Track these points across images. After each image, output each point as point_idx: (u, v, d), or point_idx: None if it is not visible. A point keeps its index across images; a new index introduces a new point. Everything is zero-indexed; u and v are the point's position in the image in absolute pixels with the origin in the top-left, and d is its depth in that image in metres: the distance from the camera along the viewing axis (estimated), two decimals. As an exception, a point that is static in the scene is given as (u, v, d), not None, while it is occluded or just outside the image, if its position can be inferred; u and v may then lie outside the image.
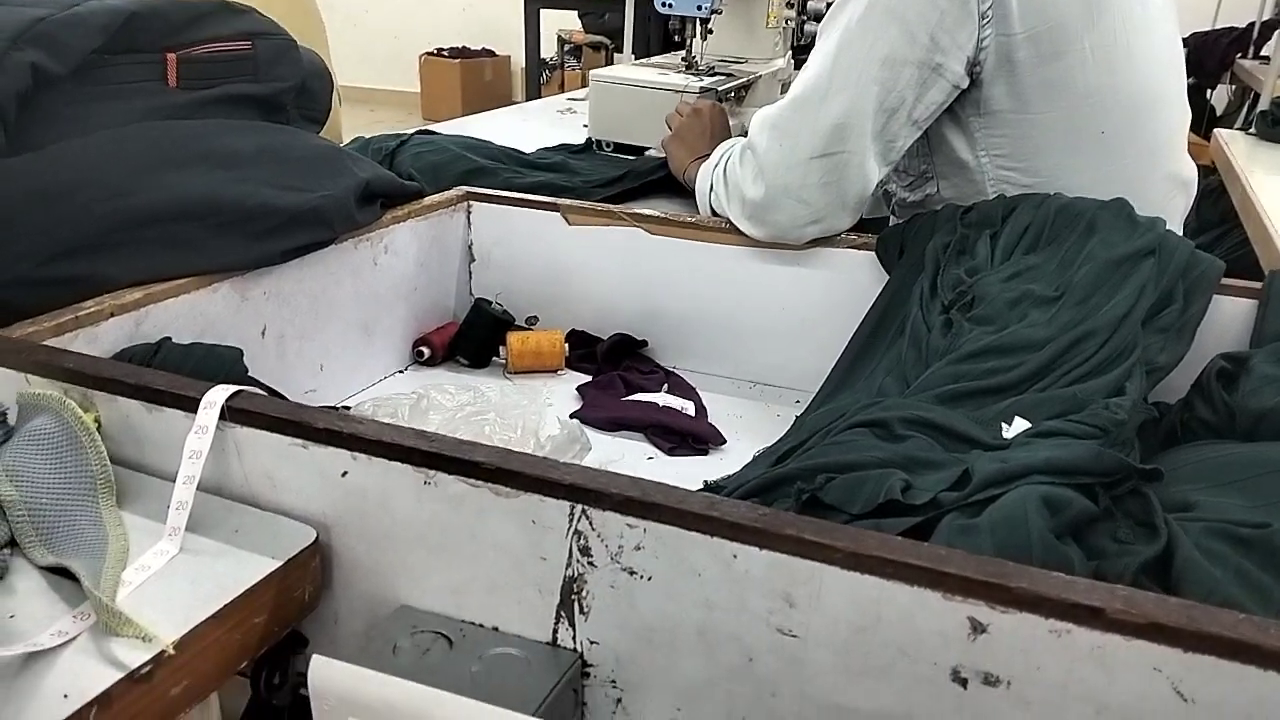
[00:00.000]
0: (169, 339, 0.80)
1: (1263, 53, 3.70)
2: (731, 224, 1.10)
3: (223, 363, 0.79)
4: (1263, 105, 2.13)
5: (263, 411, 0.63)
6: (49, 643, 0.52)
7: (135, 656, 0.52)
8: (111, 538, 0.61)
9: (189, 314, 0.85)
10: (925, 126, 1.04)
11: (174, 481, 0.63)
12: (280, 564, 0.59)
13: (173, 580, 0.58)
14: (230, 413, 0.63)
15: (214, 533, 0.62)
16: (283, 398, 0.79)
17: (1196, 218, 2.02)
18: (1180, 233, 1.11)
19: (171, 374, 0.69)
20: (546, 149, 1.60)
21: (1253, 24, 3.98)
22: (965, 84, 1.02)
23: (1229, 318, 0.91)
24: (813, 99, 1.02)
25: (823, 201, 1.03)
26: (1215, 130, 2.13)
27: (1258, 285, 0.90)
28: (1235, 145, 1.94)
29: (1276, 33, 2.33)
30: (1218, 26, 4.25)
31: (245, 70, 0.99)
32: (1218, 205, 1.85)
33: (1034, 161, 1.04)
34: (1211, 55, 4.13)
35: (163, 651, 0.52)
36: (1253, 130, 2.05)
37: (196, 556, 0.60)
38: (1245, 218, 1.58)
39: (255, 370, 0.83)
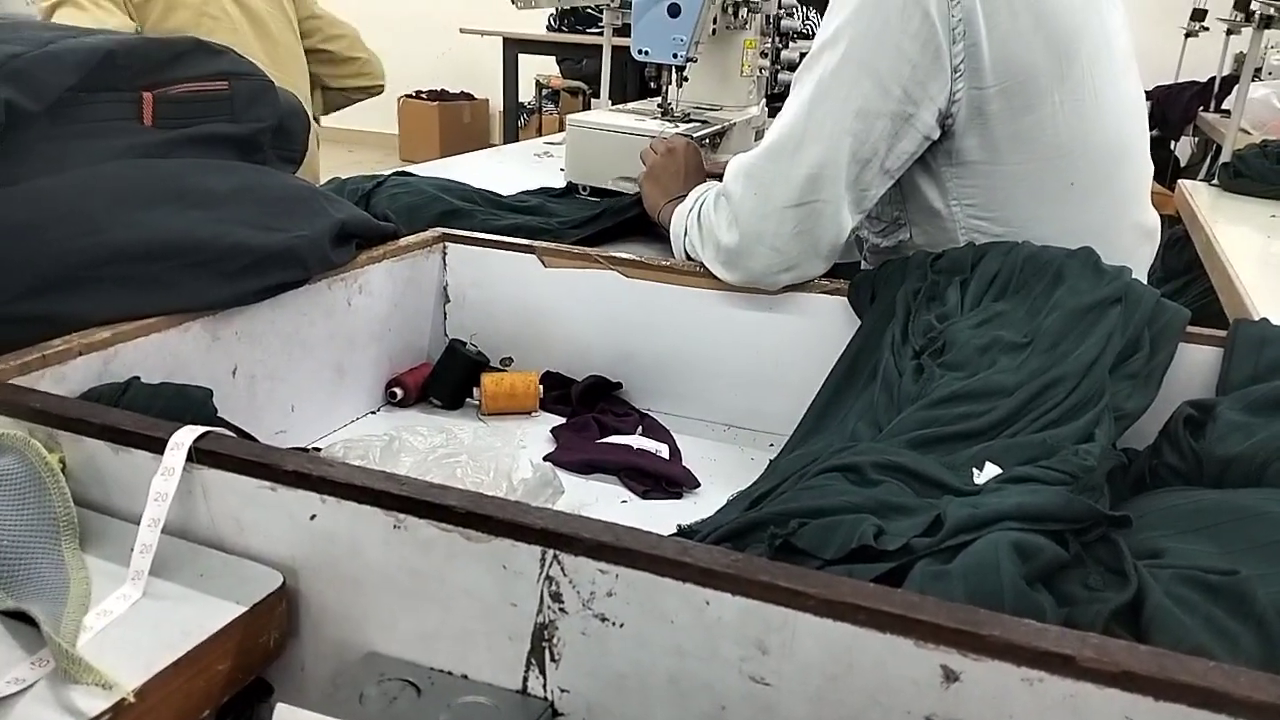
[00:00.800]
0: (138, 378, 0.79)
1: (1224, 106, 3.80)
2: (706, 268, 1.10)
3: (191, 403, 0.78)
4: (1225, 157, 2.18)
5: (230, 453, 0.62)
6: (5, 690, 0.51)
7: (94, 705, 0.51)
8: (73, 581, 0.60)
9: (158, 353, 0.84)
10: (897, 175, 1.06)
11: (139, 524, 0.62)
12: (246, 609, 0.58)
13: (135, 625, 0.57)
14: (198, 454, 0.62)
15: (178, 576, 0.61)
16: (252, 439, 0.78)
17: (1162, 266, 2.07)
18: (1146, 282, 1.12)
19: (138, 414, 0.68)
20: (526, 192, 1.61)
21: (1214, 78, 4.09)
22: (936, 135, 1.03)
23: (1195, 365, 0.92)
24: (787, 148, 1.03)
25: (796, 249, 1.04)
26: (1179, 181, 2.18)
27: (1222, 333, 0.92)
28: (1199, 196, 1.98)
29: (1236, 87, 2.39)
30: (1181, 80, 4.37)
31: (222, 110, 0.99)
32: (1182, 255, 1.89)
33: (1005, 211, 1.06)
34: (1175, 108, 4.23)
35: (123, 700, 0.51)
36: (1215, 181, 2.10)
37: (160, 601, 0.59)
38: (1209, 267, 1.61)
39: (225, 411, 0.82)
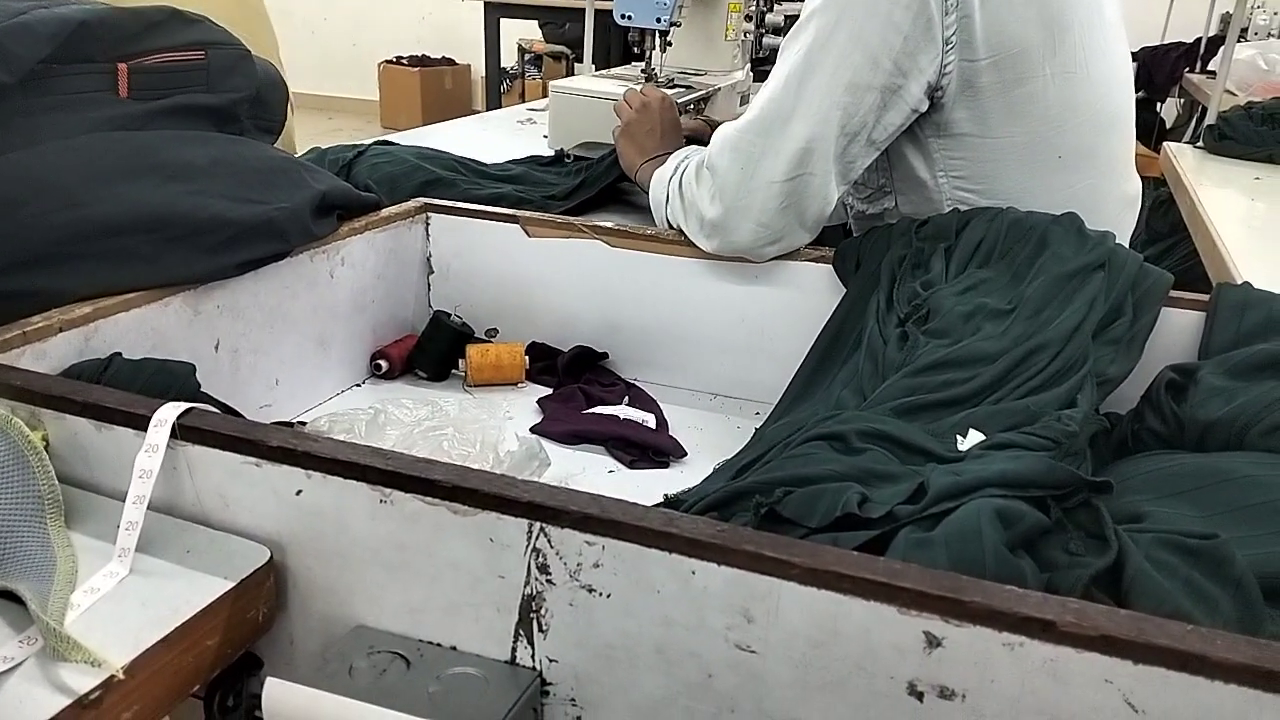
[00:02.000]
0: (119, 354, 0.78)
1: (1209, 67, 3.80)
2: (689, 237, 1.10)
3: (174, 379, 0.77)
4: (1210, 119, 2.18)
5: (215, 429, 0.62)
6: (-7, 669, 0.51)
7: (84, 682, 0.51)
8: (60, 559, 0.60)
9: (140, 329, 0.83)
10: (883, 147, 1.05)
11: (124, 501, 0.61)
12: (233, 585, 0.58)
13: (122, 603, 0.57)
14: (181, 430, 0.62)
15: (165, 553, 0.61)
16: (236, 414, 0.78)
17: (1146, 229, 2.07)
18: (1128, 247, 1.14)
19: (121, 391, 0.68)
20: (515, 160, 1.59)
21: (1200, 39, 4.08)
22: (924, 107, 1.02)
23: (1177, 329, 0.92)
24: (775, 122, 1.02)
25: (782, 222, 1.03)
26: (1165, 144, 2.18)
27: (1205, 297, 0.92)
28: (1184, 159, 1.98)
29: (1222, 48, 2.38)
30: (1167, 41, 4.35)
31: (198, 80, 0.98)
32: (1167, 217, 1.90)
33: (992, 183, 1.06)
34: (1161, 69, 4.23)
35: (112, 676, 0.51)
36: (1200, 144, 2.10)
37: (147, 578, 0.59)
38: (1193, 230, 1.61)
39: (208, 386, 0.82)
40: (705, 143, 1.14)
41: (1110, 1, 1.10)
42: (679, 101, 1.66)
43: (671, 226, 1.15)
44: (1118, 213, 1.14)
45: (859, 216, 1.22)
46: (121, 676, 0.52)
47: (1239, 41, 2.49)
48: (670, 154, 1.23)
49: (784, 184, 1.02)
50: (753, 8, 1.98)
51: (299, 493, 0.61)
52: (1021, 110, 1.02)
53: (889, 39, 0.97)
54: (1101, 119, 1.07)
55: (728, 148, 1.06)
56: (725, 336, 1.11)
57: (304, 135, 1.99)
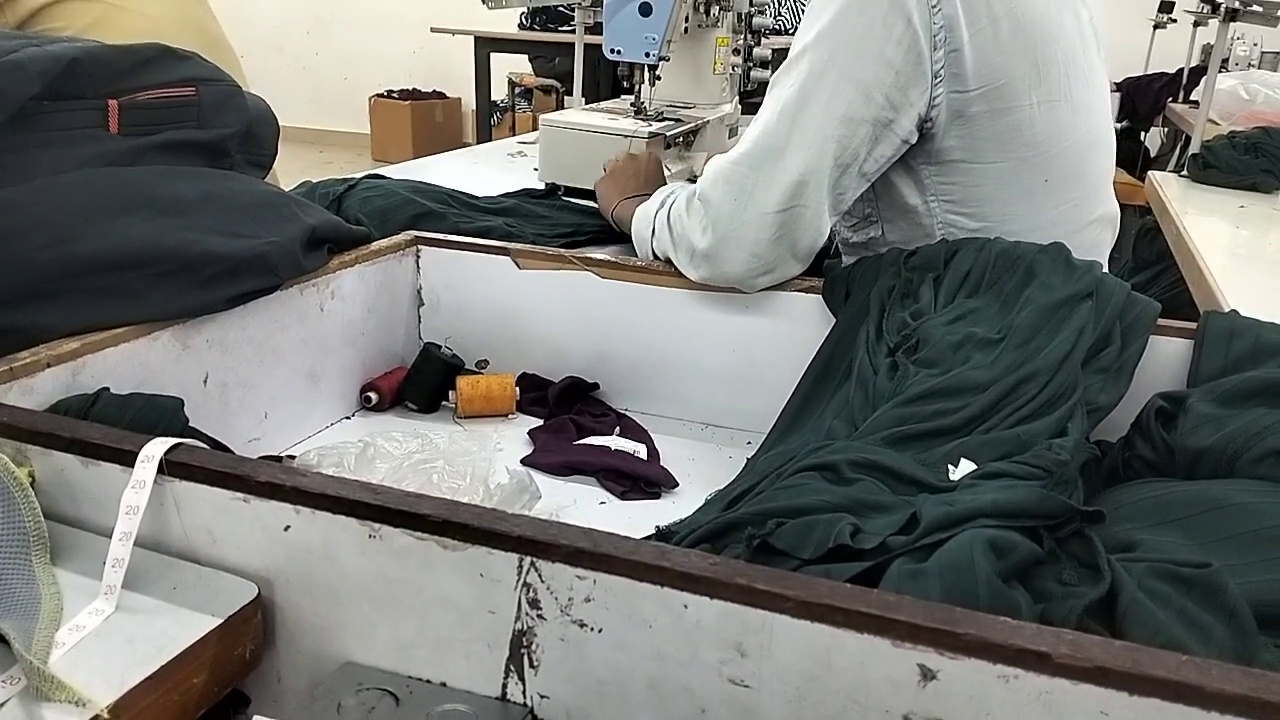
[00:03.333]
0: (107, 389, 0.78)
1: (1192, 97, 3.84)
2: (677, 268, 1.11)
3: (162, 414, 0.77)
4: (1194, 148, 2.20)
5: (202, 465, 0.61)
6: (-25, 710, 0.50)
7: (67, 722, 0.50)
8: (44, 597, 0.59)
9: (128, 363, 0.83)
10: (873, 179, 1.07)
11: (110, 538, 0.61)
12: (220, 622, 0.58)
13: (108, 640, 0.57)
14: (169, 466, 0.62)
15: (151, 590, 0.60)
16: (225, 448, 0.77)
17: (1133, 257, 2.09)
18: (1106, 266, 1.18)
19: (108, 426, 0.67)
20: (507, 194, 1.60)
21: (1182, 69, 4.13)
22: (914, 139, 1.04)
23: (1166, 357, 0.93)
24: (769, 155, 1.03)
25: (774, 253, 1.04)
26: (1149, 172, 2.20)
27: (1192, 325, 0.93)
28: (1168, 187, 2.00)
29: (1204, 78, 2.42)
30: (1150, 71, 4.41)
31: (189, 116, 0.98)
32: (1153, 245, 1.91)
33: (982, 207, 1.08)
34: (1144, 99, 4.28)
35: (97, 716, 0.51)
36: (1185, 173, 2.12)
37: (133, 615, 0.58)
38: (1179, 258, 1.62)
39: (197, 420, 0.81)
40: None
41: (1090, 29, 1.13)
42: (667, 135, 1.67)
43: (658, 258, 1.15)
44: (1098, 232, 1.17)
45: (845, 243, 1.23)
46: (106, 716, 0.51)
47: (1220, 72, 2.52)
48: (649, 195, 1.24)
49: (777, 215, 1.02)
50: (740, 42, 2.00)
51: (287, 528, 0.60)
52: (1009, 138, 1.04)
53: (881, 74, 0.99)
54: (1084, 145, 1.10)
55: (721, 179, 1.06)
56: (716, 367, 1.12)
57: (295, 168, 2.00)
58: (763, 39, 2.02)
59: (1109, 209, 1.19)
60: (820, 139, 1.01)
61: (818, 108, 1.01)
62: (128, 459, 0.62)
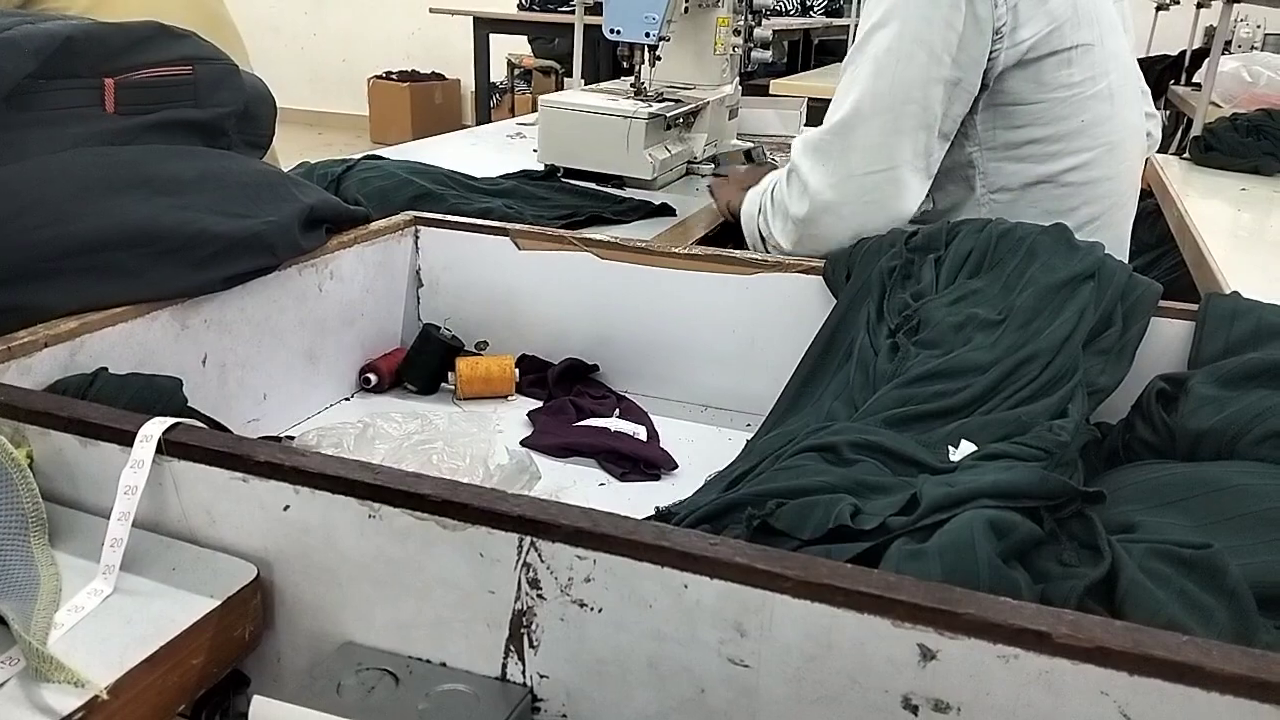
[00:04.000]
0: (105, 369, 0.78)
1: (1195, 79, 3.82)
2: (680, 250, 1.10)
3: (161, 394, 0.77)
4: (1196, 131, 2.19)
5: (201, 444, 0.61)
6: (-26, 690, 0.50)
7: (67, 703, 0.50)
8: (43, 578, 0.59)
9: (126, 343, 0.82)
10: (952, 136, 1.15)
11: (109, 518, 0.61)
12: (219, 603, 0.58)
13: (107, 621, 0.56)
14: (167, 446, 0.62)
15: (150, 571, 0.60)
16: (224, 429, 0.77)
17: (1134, 240, 2.08)
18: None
19: (107, 406, 0.67)
20: (506, 175, 1.59)
21: (1184, 51, 4.11)
22: (978, 91, 1.14)
23: (1167, 339, 0.92)
24: (852, 122, 1.11)
25: (864, 217, 1.11)
26: (1151, 155, 2.19)
27: (1193, 307, 0.92)
28: (1170, 170, 1.99)
29: (1207, 60, 2.40)
30: (1152, 54, 4.39)
31: (185, 95, 0.97)
32: (1154, 228, 1.90)
33: (1022, 149, 1.17)
34: (1146, 81, 4.25)
35: (96, 697, 0.51)
36: (1187, 155, 2.11)
37: (132, 596, 0.58)
38: (1181, 241, 1.62)
39: (196, 400, 0.81)
40: None
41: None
42: (667, 116, 1.66)
43: (762, 239, 1.22)
44: (1124, 183, 1.25)
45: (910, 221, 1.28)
46: (105, 697, 0.51)
47: (1223, 54, 2.51)
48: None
49: (864, 178, 1.11)
50: (741, 22, 1.99)
51: (286, 508, 0.60)
52: (1050, 79, 1.14)
53: (947, 37, 1.09)
54: (1116, 87, 1.19)
55: (809, 149, 1.15)
56: (716, 348, 1.11)
57: (293, 150, 1.99)
58: (763, 19, 2.00)
59: (1136, 168, 1.27)
60: (896, 103, 1.10)
61: (892, 75, 1.10)
62: (126, 439, 0.62)
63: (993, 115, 1.16)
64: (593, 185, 1.65)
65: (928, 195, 1.21)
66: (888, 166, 1.11)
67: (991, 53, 1.11)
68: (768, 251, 1.22)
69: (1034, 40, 1.11)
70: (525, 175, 1.62)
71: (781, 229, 1.17)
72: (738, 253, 1.12)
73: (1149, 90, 1.42)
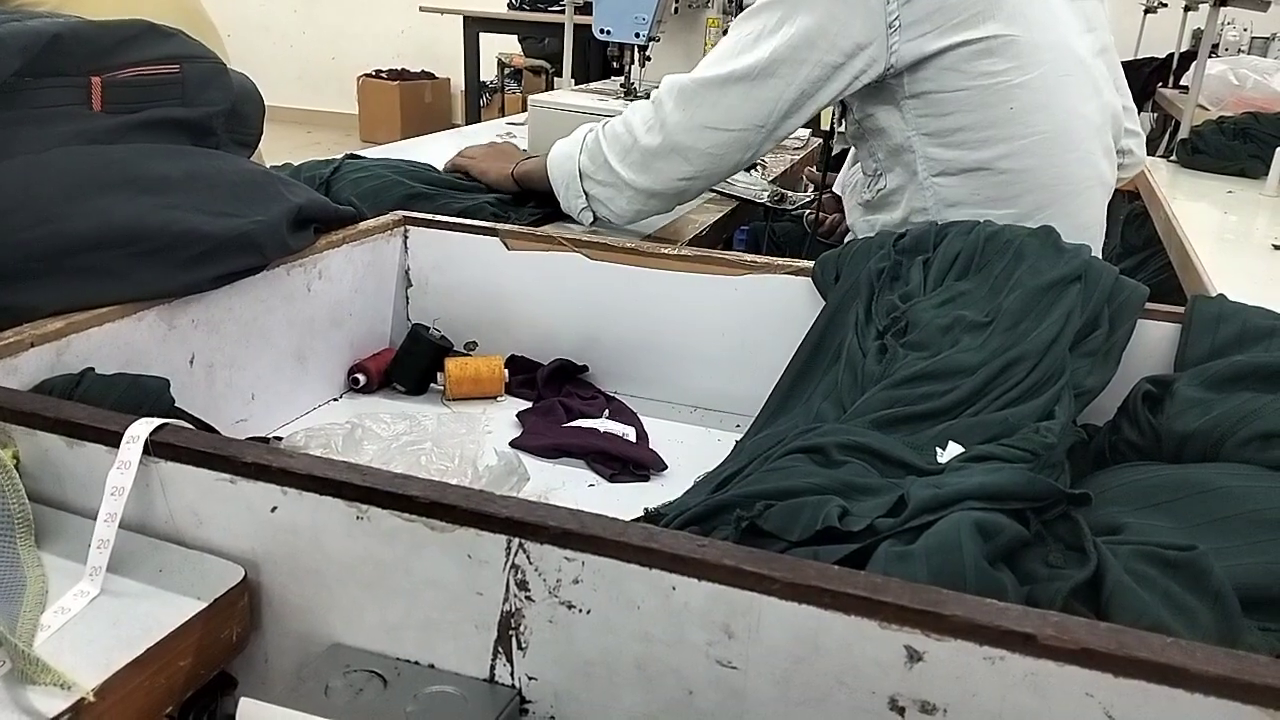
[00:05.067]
0: (92, 369, 0.77)
1: (1182, 82, 3.84)
2: (670, 251, 1.10)
3: (148, 394, 0.76)
4: (1183, 134, 2.20)
5: (188, 445, 0.61)
6: (-41, 693, 0.50)
7: (53, 705, 0.50)
8: (29, 579, 0.59)
9: (113, 343, 0.82)
10: (816, 110, 1.20)
11: (95, 519, 0.60)
12: (206, 604, 0.58)
13: (93, 623, 0.56)
14: (154, 447, 0.61)
15: (137, 572, 0.60)
16: (212, 429, 0.77)
17: (1121, 242, 2.09)
18: (1101, 231, 1.31)
19: (93, 407, 0.67)
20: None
21: (1172, 54, 4.13)
22: (865, 79, 1.18)
23: (1153, 341, 0.93)
24: (718, 83, 1.18)
25: (701, 165, 1.21)
26: (1140, 168, 2.20)
27: (1180, 309, 0.93)
28: (1158, 173, 2.00)
29: (1194, 63, 2.42)
30: (1140, 56, 4.41)
31: (173, 94, 0.97)
32: (1141, 230, 1.92)
33: (954, 136, 1.21)
34: (1134, 84, 4.26)
35: (82, 699, 0.50)
36: (1174, 158, 2.13)
37: (118, 598, 0.58)
38: (1167, 243, 1.63)
39: (183, 401, 0.81)
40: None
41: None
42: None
43: (582, 177, 1.28)
44: (1078, 172, 1.24)
45: (865, 205, 1.34)
46: (92, 699, 0.51)
47: (1210, 57, 2.52)
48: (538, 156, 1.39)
49: (715, 132, 1.18)
50: (730, 22, 1.99)
51: (274, 509, 0.60)
52: (969, 66, 1.17)
53: (826, 25, 1.14)
54: (1052, 80, 1.20)
55: (675, 90, 1.21)
56: (706, 349, 1.11)
57: (282, 149, 1.99)
58: (753, 20, 2.00)
59: (1098, 166, 1.26)
60: (765, 75, 1.16)
61: (771, 46, 1.15)
62: (113, 439, 0.62)
63: (921, 103, 1.20)
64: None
65: (882, 176, 1.29)
66: (742, 128, 1.18)
67: (890, 46, 1.15)
68: (583, 191, 1.30)
69: (937, 30, 1.15)
70: None
71: (621, 158, 1.24)
72: (728, 254, 1.13)
73: (1133, 108, 1.41)
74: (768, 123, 1.19)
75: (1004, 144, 1.20)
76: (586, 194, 1.30)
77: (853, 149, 1.41)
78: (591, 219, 1.33)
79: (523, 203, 1.42)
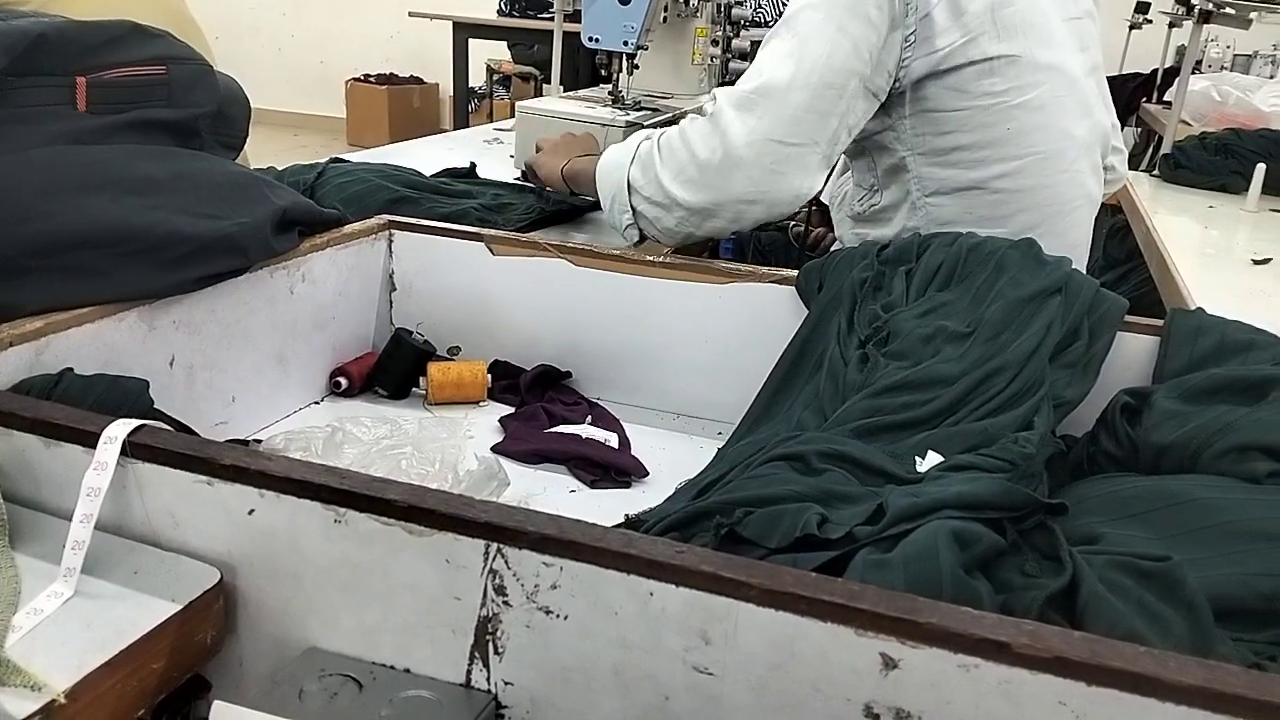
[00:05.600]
0: (71, 370, 0.77)
1: (1165, 98, 3.87)
2: (655, 259, 1.11)
3: (127, 395, 0.76)
4: (1165, 148, 2.22)
5: (165, 447, 0.61)
6: (-72, 693, 0.50)
7: (24, 707, 0.49)
8: (2, 580, 0.59)
9: (93, 344, 0.82)
10: (855, 133, 1.18)
11: (71, 520, 0.60)
12: (181, 607, 0.57)
13: (66, 625, 0.56)
14: (132, 448, 0.61)
15: (112, 574, 0.59)
16: (191, 431, 0.77)
17: (1103, 255, 2.10)
18: (1087, 246, 1.31)
19: (71, 407, 0.66)
20: (436, 174, 1.57)
21: (1156, 70, 4.17)
22: (884, 96, 1.16)
23: (1132, 354, 0.94)
24: (779, 88, 1.13)
25: (762, 183, 1.13)
26: (1123, 184, 2.21)
27: (1159, 322, 0.94)
28: (1140, 187, 2.02)
29: (1178, 79, 2.44)
30: (1125, 71, 4.44)
31: (158, 95, 0.96)
32: (1123, 244, 1.93)
33: (950, 155, 1.20)
34: (1118, 99, 4.29)
35: (53, 701, 0.50)
36: (1156, 172, 2.14)
37: (92, 599, 0.58)
38: (1148, 257, 1.64)
39: (163, 403, 0.80)
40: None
41: (1060, 16, 1.23)
42: (644, 125, 1.67)
43: (630, 190, 1.21)
44: (1069, 192, 1.25)
45: (856, 218, 1.33)
46: (63, 701, 0.50)
47: (1193, 73, 2.55)
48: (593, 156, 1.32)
49: (779, 145, 1.13)
50: (719, 33, 2.00)
51: (251, 512, 0.59)
52: (970, 86, 1.16)
53: (868, 33, 1.12)
54: (1049, 99, 1.19)
55: (732, 100, 1.15)
56: (688, 356, 1.12)
57: (269, 152, 1.98)
58: (742, 30, 2.02)
59: (1086, 183, 1.27)
60: (821, 85, 1.12)
61: (818, 57, 1.12)
62: (90, 440, 0.61)
63: (920, 121, 1.19)
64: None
65: (879, 191, 1.27)
66: (801, 142, 1.13)
67: (903, 59, 1.14)
68: (630, 207, 1.22)
69: (949, 50, 1.14)
70: (449, 173, 1.59)
71: (676, 174, 1.16)
72: (712, 262, 1.13)
73: (1118, 126, 1.41)
74: (822, 139, 1.14)
75: (1000, 164, 1.19)
76: (634, 209, 1.23)
77: (841, 160, 1.39)
78: (637, 238, 1.25)
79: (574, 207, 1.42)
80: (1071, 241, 1.27)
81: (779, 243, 1.72)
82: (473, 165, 1.64)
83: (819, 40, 1.12)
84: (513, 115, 1.85)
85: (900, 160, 1.23)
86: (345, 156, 1.59)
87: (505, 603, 0.56)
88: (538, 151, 1.46)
